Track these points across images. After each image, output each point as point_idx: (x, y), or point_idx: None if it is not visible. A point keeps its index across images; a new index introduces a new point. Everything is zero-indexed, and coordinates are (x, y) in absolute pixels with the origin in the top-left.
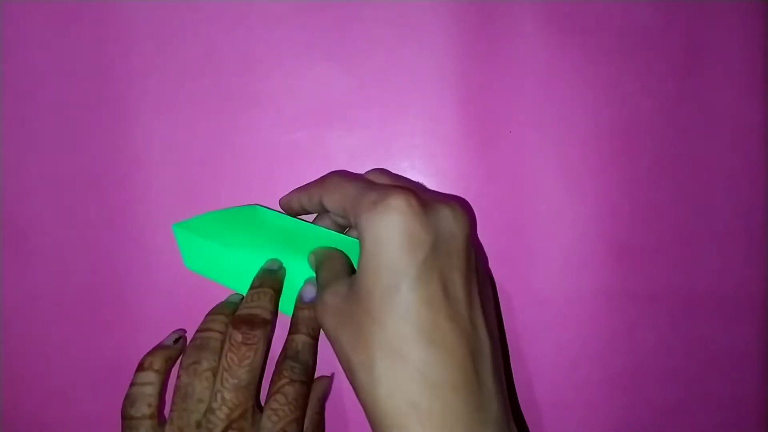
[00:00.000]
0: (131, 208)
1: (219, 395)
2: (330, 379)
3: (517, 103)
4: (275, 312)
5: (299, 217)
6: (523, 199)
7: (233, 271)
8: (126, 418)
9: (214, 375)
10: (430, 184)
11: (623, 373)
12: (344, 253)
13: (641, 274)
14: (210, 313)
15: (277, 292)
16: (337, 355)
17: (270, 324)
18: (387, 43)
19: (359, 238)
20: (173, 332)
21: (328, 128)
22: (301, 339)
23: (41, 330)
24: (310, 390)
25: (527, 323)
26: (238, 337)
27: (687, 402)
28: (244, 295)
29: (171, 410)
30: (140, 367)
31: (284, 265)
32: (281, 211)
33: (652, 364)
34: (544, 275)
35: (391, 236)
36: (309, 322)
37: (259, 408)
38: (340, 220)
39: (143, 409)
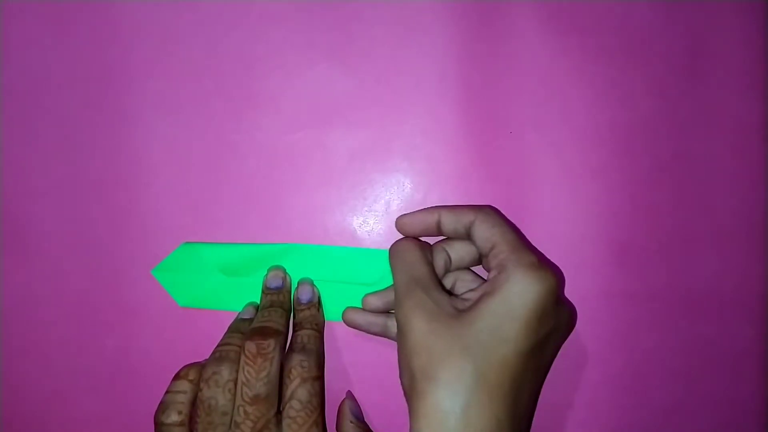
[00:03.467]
0: (131, 208)
1: (241, 409)
2: (352, 398)
3: (517, 103)
4: (287, 326)
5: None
6: (523, 199)
7: (227, 296)
8: (157, 424)
9: (236, 385)
10: (431, 184)
11: (623, 374)
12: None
13: (641, 274)
14: (227, 331)
15: (287, 310)
16: (409, 353)
17: (282, 335)
18: (387, 43)
19: (498, 283)
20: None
21: (328, 128)
22: (305, 332)
23: (41, 330)
24: (323, 383)
25: None
26: (253, 348)
27: (687, 402)
28: (251, 304)
29: (195, 422)
30: (176, 376)
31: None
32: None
33: (652, 364)
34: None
35: (533, 301)
36: (312, 319)
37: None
38: (461, 254)
39: (173, 416)
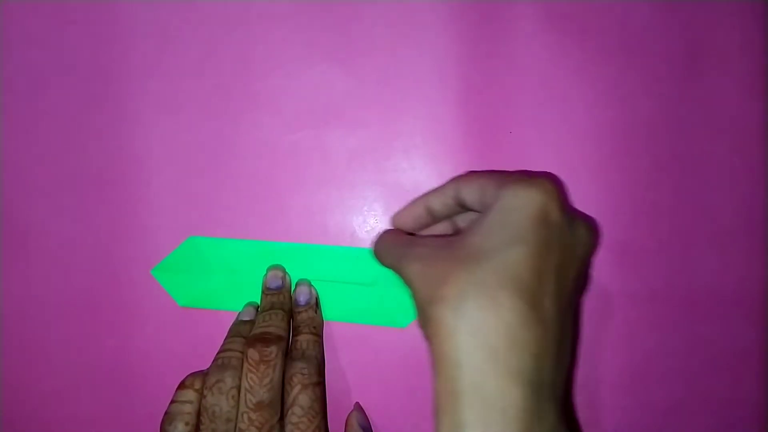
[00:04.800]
0: (131, 208)
1: (245, 416)
2: (360, 410)
3: (517, 103)
4: (288, 329)
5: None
6: None
7: (227, 295)
8: None
9: (239, 392)
10: (430, 184)
11: (623, 373)
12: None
13: (641, 274)
14: (228, 336)
15: (288, 312)
16: (415, 295)
17: (284, 340)
18: (387, 43)
19: (491, 203)
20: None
21: (328, 128)
22: (305, 338)
23: (41, 330)
24: (324, 387)
25: None
26: (256, 355)
27: (687, 402)
28: (251, 305)
29: (199, 431)
30: (181, 385)
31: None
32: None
33: (652, 364)
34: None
35: (526, 205)
36: (310, 322)
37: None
38: (442, 201)
39: (180, 426)
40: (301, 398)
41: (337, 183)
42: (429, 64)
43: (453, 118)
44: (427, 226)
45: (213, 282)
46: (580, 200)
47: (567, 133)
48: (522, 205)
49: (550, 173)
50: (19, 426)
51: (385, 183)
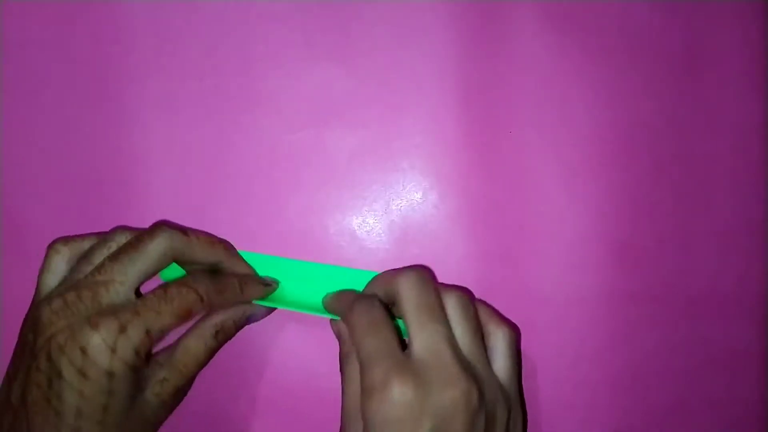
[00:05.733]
0: (131, 209)
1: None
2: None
3: (517, 103)
4: (213, 298)
5: None
6: (523, 199)
7: None
8: None
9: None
10: (430, 184)
11: (623, 373)
12: (395, 324)
13: (641, 274)
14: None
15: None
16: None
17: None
18: (387, 43)
19: (362, 415)
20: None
21: (328, 128)
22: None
23: None
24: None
25: (527, 323)
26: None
27: (687, 402)
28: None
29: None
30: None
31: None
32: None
33: (652, 365)
34: (544, 275)
35: (388, 426)
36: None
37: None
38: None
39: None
40: (171, 290)
41: (337, 183)
42: (429, 64)
43: (453, 118)
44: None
45: None
46: (580, 200)
47: (567, 133)
48: (382, 428)
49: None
50: None
51: (385, 183)
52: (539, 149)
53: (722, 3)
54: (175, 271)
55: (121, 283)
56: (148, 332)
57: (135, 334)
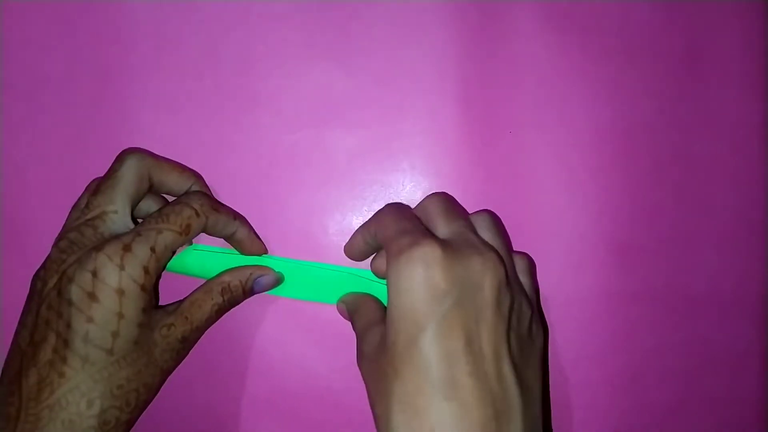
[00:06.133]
0: None
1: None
2: (275, 275)
3: (517, 103)
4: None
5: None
6: (523, 199)
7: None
8: None
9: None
10: (430, 184)
11: (623, 374)
12: (376, 298)
13: (641, 274)
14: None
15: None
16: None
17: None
18: (387, 43)
19: (387, 284)
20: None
21: (328, 128)
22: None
23: None
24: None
25: None
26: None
27: (687, 402)
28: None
29: None
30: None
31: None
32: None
33: (652, 364)
34: (544, 275)
35: (412, 287)
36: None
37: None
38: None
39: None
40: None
41: (337, 183)
42: (429, 64)
43: (453, 118)
44: (370, 254)
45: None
46: (580, 200)
47: (567, 133)
48: (408, 288)
49: (444, 199)
50: None
51: (385, 183)
52: (539, 149)
53: (722, 3)
54: (180, 266)
55: (113, 212)
56: (152, 249)
57: (140, 251)
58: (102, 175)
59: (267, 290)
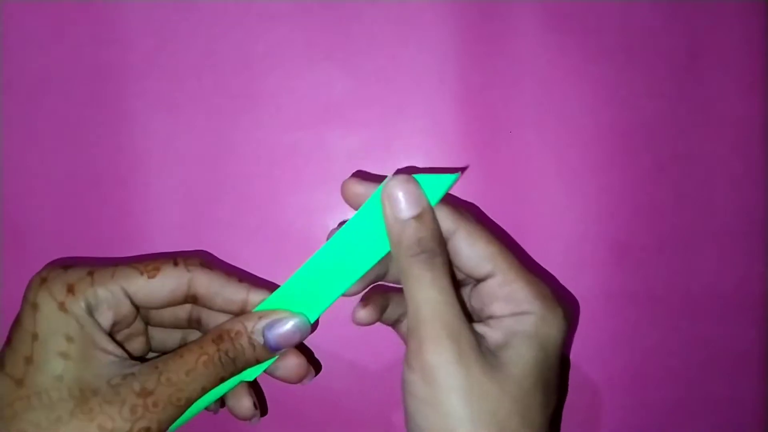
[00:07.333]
0: (131, 209)
1: None
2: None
3: (517, 103)
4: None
5: None
6: (523, 199)
7: None
8: None
9: None
10: None
11: (623, 374)
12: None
13: (641, 274)
14: None
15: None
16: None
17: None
18: (387, 43)
19: (525, 325)
20: None
21: (328, 128)
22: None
23: None
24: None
25: None
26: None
27: (687, 402)
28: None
29: None
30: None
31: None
32: None
33: (652, 365)
34: (544, 275)
35: (556, 339)
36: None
37: None
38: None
39: None
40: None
41: (337, 183)
42: (429, 64)
43: (453, 118)
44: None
45: None
46: (580, 200)
47: (567, 133)
48: (555, 340)
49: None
50: None
51: None
52: (539, 149)
53: (722, 3)
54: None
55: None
56: None
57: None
58: (100, 173)
59: (292, 342)
